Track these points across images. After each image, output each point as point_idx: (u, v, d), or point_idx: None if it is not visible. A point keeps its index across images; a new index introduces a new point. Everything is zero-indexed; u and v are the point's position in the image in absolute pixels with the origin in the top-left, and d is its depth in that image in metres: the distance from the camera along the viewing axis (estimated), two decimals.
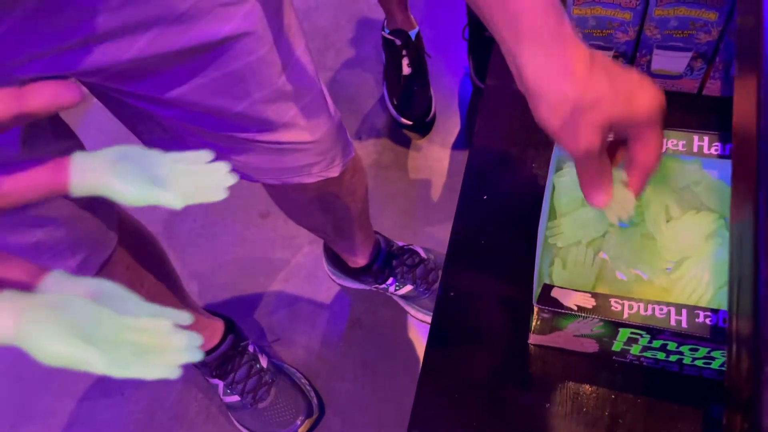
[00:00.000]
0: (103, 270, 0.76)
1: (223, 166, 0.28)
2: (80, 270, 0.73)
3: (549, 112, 0.42)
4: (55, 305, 0.23)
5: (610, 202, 0.46)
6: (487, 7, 0.42)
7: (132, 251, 0.84)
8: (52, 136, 0.62)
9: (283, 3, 0.66)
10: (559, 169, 0.59)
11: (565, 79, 0.41)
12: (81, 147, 0.52)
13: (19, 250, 0.66)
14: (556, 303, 0.51)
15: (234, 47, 0.60)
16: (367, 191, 1.01)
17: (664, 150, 0.56)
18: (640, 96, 0.42)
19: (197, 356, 0.24)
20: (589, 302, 0.50)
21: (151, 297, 0.92)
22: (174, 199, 0.26)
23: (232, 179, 0.27)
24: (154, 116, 0.68)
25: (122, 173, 0.26)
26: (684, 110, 0.72)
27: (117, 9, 0.51)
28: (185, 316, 0.25)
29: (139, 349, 0.23)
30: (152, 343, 0.23)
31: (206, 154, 0.28)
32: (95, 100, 0.67)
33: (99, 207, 0.73)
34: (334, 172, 0.82)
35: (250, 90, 0.64)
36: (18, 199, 0.25)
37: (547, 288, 0.51)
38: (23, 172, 0.25)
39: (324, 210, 0.93)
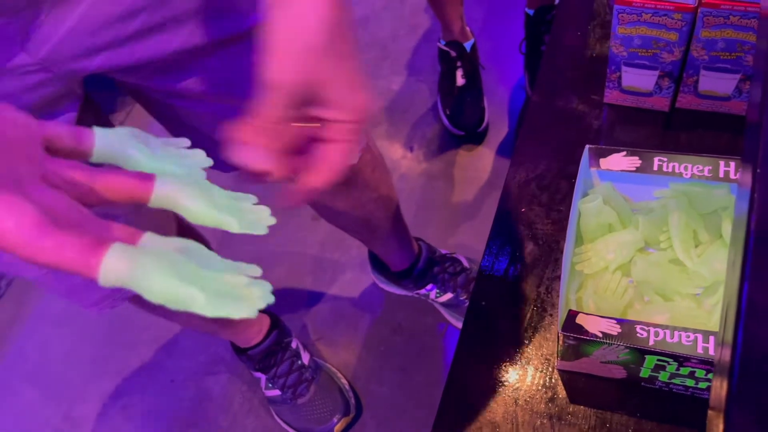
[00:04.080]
0: None
1: (266, 210, 0.33)
2: None
3: (273, 35, 0.38)
4: (158, 255, 0.27)
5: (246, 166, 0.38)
6: None
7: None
8: None
9: None
10: (584, 194, 0.60)
11: (311, 10, 0.37)
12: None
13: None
14: (581, 330, 0.51)
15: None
16: (394, 192, 1.02)
17: (688, 176, 0.56)
18: (363, 91, 0.39)
19: (271, 299, 0.28)
20: (614, 329, 0.51)
21: None
22: (233, 225, 0.31)
23: (272, 220, 0.34)
24: (184, 116, 0.71)
25: (192, 195, 0.31)
26: (732, 132, 0.71)
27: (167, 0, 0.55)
28: (257, 269, 0.29)
29: (227, 294, 0.27)
30: (236, 290, 0.28)
31: (252, 197, 0.33)
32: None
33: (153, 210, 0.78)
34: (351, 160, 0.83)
35: None
36: (105, 197, 0.30)
37: (572, 314, 0.52)
38: (116, 175, 0.29)
39: (350, 206, 0.94)
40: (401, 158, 1.47)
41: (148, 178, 0.30)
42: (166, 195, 0.30)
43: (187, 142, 0.34)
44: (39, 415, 1.27)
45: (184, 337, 1.31)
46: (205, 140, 0.77)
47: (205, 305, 0.27)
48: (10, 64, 0.52)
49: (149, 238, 0.28)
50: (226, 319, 1.17)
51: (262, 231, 0.32)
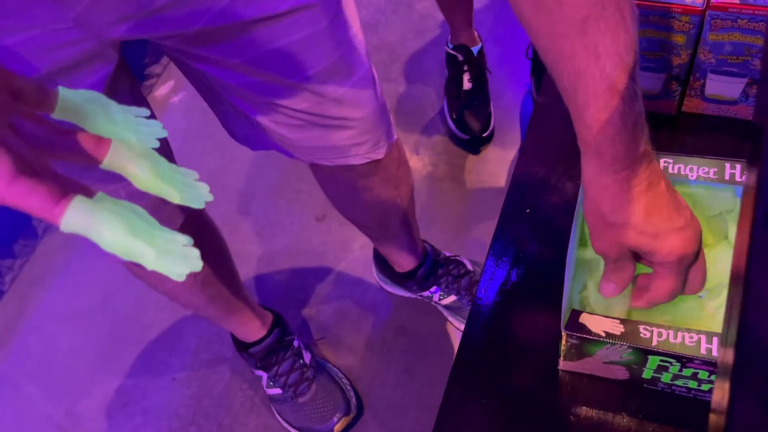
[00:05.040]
0: None
1: (206, 186, 0.35)
2: None
3: (587, 210, 0.49)
4: (114, 210, 0.29)
5: (615, 295, 0.52)
6: (575, 120, 0.46)
7: (195, 234, 0.89)
8: (131, 101, 0.67)
9: None
10: None
11: (605, 194, 0.47)
12: (154, 116, 0.57)
13: None
14: (584, 329, 0.51)
15: (296, 19, 0.64)
16: (412, 191, 1.03)
17: (694, 178, 0.57)
18: (669, 238, 0.47)
19: (200, 265, 0.31)
20: (617, 329, 0.51)
21: (209, 280, 0.97)
22: (174, 196, 0.33)
23: (210, 197, 0.35)
24: (217, 85, 0.72)
25: (141, 165, 0.33)
26: (738, 137, 0.71)
27: None
28: (190, 239, 0.31)
29: (172, 252, 0.30)
30: (179, 249, 0.30)
31: (195, 173, 0.36)
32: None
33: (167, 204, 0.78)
34: (380, 154, 0.84)
35: (307, 63, 0.68)
36: (62, 154, 0.32)
37: (576, 314, 0.52)
38: (75, 134, 0.32)
39: (369, 200, 0.95)
40: (407, 160, 1.47)
41: (104, 141, 0.32)
42: (117, 160, 0.32)
43: (147, 112, 0.36)
44: (41, 411, 1.27)
45: (187, 335, 1.31)
46: (233, 111, 0.78)
47: (153, 260, 0.29)
48: (46, 19, 0.54)
49: (102, 196, 0.30)
50: (229, 307, 1.15)
51: (199, 205, 0.34)
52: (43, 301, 1.41)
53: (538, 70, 1.44)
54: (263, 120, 0.76)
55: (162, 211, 0.74)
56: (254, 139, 0.83)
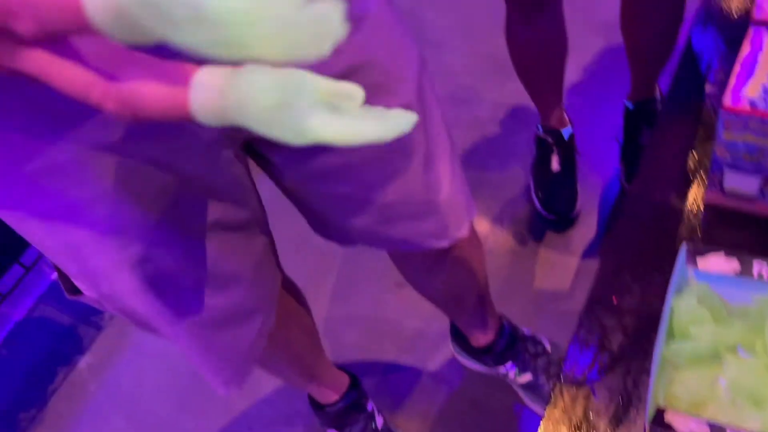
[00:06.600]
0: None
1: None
2: (260, 333, 0.76)
3: None
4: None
5: None
6: None
7: (286, 300, 0.94)
8: None
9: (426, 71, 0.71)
10: (679, 291, 0.60)
11: None
12: None
13: (206, 321, 0.68)
14: (670, 428, 0.51)
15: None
16: (485, 267, 1.04)
17: None
18: None
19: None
20: (703, 429, 0.50)
21: (293, 345, 1.01)
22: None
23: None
24: (308, 196, 0.72)
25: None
26: None
27: None
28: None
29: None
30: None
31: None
32: None
33: (270, 264, 0.77)
34: (463, 233, 0.82)
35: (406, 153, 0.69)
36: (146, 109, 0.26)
37: (661, 411, 0.52)
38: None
39: (443, 280, 0.96)
40: (490, 234, 1.50)
41: (183, 74, 0.25)
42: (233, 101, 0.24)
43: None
44: None
45: (265, 386, 1.36)
46: (316, 217, 0.78)
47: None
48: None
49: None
50: (308, 370, 1.14)
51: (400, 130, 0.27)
52: (138, 338, 1.50)
53: (629, 156, 1.44)
54: (353, 222, 0.74)
55: (266, 269, 0.76)
56: (339, 237, 0.81)
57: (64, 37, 0.26)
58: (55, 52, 0.26)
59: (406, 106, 0.64)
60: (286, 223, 0.95)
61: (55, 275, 1.58)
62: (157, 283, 0.61)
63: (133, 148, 0.52)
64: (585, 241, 1.44)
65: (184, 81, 0.25)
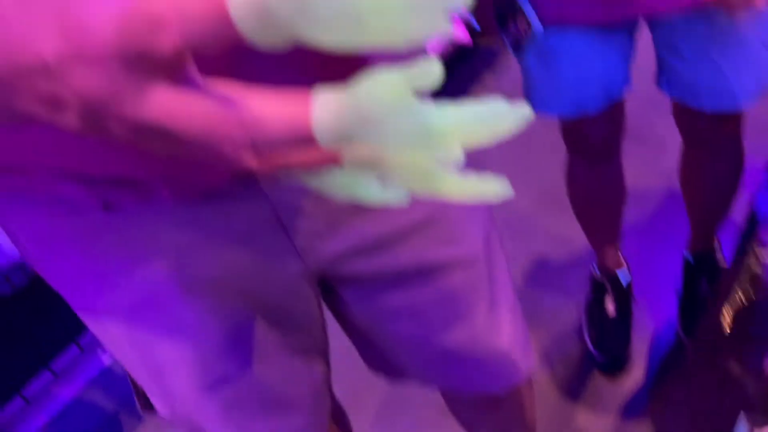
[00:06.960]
0: None
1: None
2: None
3: None
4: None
5: None
6: None
7: (334, 420, 0.93)
8: None
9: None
10: None
11: None
12: None
13: None
14: None
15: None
16: (535, 413, 1.01)
17: None
18: None
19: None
20: None
21: None
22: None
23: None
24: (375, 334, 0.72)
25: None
26: None
27: None
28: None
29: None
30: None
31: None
32: None
33: (327, 393, 0.77)
34: (521, 380, 0.81)
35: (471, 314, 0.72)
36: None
37: None
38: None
39: (495, 422, 0.94)
40: (538, 371, 1.47)
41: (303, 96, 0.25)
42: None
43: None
44: None
45: None
46: (374, 349, 0.78)
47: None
48: None
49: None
50: None
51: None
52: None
53: (687, 309, 1.42)
54: (413, 361, 0.75)
55: (322, 397, 0.74)
56: (393, 373, 0.81)
57: (202, 54, 0.25)
58: (179, 85, 0.26)
59: (474, 256, 0.68)
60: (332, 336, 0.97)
61: (108, 360, 1.63)
62: (231, 407, 0.63)
63: (228, 279, 0.56)
64: (635, 389, 1.40)
65: (303, 101, 0.25)
